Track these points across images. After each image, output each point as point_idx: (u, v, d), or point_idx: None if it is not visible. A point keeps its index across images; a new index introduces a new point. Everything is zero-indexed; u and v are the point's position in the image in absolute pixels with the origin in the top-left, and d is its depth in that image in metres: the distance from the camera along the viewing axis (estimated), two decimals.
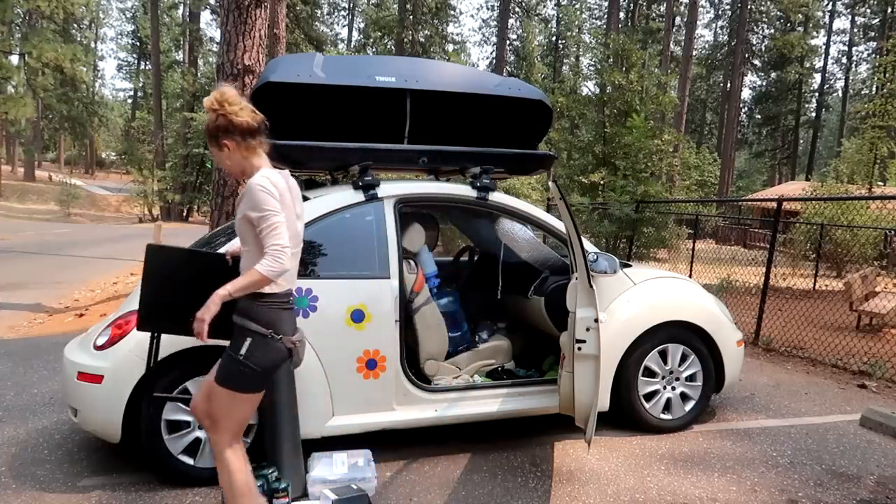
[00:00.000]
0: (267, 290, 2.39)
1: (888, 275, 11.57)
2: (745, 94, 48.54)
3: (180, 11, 45.21)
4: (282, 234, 2.32)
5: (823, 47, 46.06)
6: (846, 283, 8.52)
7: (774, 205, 7.24)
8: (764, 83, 48.18)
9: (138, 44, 54.43)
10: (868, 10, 43.20)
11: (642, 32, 36.89)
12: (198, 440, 3.17)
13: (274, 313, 2.42)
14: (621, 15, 38.72)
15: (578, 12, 48.92)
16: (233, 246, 2.79)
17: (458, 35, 62.74)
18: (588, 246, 3.85)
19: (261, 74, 4.14)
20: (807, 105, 47.08)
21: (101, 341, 3.18)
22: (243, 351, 2.37)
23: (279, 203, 2.36)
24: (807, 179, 31.59)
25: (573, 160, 17.48)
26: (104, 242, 17.25)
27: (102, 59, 59.44)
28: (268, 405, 3.14)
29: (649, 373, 4.00)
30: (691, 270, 11.03)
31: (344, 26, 55.27)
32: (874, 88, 32.10)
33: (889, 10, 39.96)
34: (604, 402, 3.83)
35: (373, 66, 3.95)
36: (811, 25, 43.86)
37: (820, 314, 7.85)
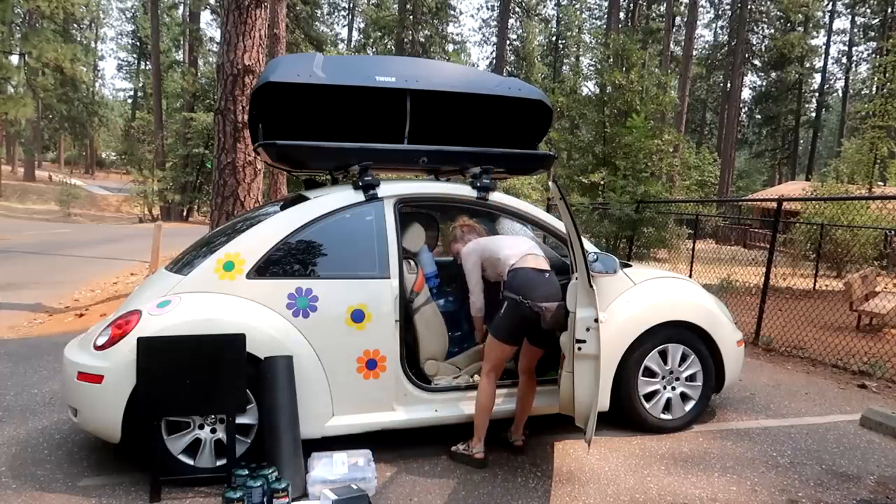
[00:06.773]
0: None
1: (888, 275, 11.56)
2: (745, 94, 48.56)
3: (180, 11, 45.23)
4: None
5: (823, 47, 46.08)
6: (846, 283, 8.52)
7: (774, 205, 7.24)
8: (764, 83, 48.15)
9: (138, 44, 54.44)
10: (868, 10, 43.14)
11: (642, 32, 36.91)
12: (198, 440, 3.17)
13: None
14: (621, 15, 38.68)
15: (578, 12, 48.95)
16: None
17: (458, 35, 62.92)
18: (588, 246, 3.85)
19: (261, 74, 4.14)
20: (807, 105, 47.05)
21: (101, 341, 3.18)
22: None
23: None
24: (807, 179, 31.60)
25: (573, 160, 17.51)
26: (104, 242, 17.25)
27: (102, 59, 59.52)
28: (268, 405, 3.15)
29: (649, 373, 4.00)
30: (691, 270, 11.02)
31: (344, 26, 55.37)
32: (874, 88, 32.08)
33: (889, 10, 39.93)
34: (604, 402, 3.82)
35: (373, 66, 3.95)
36: (811, 25, 43.84)
37: (820, 314, 7.85)
